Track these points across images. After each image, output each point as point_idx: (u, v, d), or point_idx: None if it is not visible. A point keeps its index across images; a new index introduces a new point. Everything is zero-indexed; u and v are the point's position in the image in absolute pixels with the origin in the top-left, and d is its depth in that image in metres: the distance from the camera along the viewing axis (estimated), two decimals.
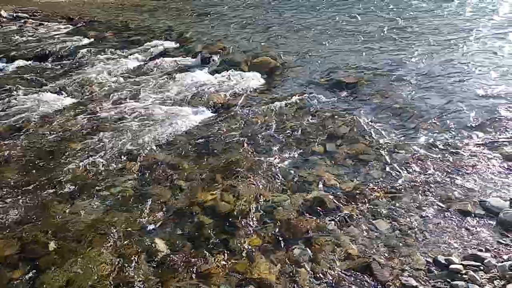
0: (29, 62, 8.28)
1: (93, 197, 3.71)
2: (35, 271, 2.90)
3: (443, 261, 2.62)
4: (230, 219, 3.29)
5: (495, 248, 2.70)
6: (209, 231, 3.19)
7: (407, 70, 5.90)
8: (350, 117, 4.74)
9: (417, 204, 3.22)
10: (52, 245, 3.12)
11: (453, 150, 3.88)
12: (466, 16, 8.47)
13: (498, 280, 2.43)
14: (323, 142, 4.31)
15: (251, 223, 3.23)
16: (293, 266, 2.79)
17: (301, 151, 4.19)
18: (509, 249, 2.67)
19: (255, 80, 6.26)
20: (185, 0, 14.07)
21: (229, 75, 6.50)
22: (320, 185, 3.60)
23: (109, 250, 3.03)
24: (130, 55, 8.14)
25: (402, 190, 3.42)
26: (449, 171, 3.58)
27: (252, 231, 3.15)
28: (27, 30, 11.27)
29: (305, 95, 5.48)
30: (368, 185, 3.54)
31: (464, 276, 2.50)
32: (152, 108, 5.48)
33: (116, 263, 2.91)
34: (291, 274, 2.73)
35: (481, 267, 2.54)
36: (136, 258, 2.95)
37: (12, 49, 9.18)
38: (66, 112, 5.62)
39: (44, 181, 3.97)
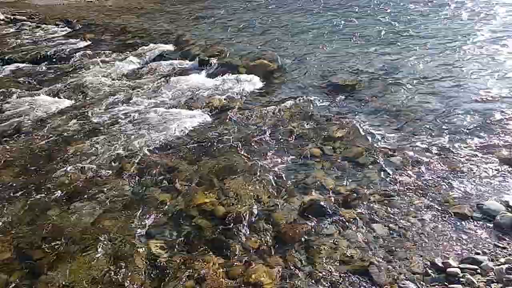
0: (26, 64, 8.27)
1: (89, 200, 3.68)
2: (31, 274, 2.88)
3: (441, 264, 2.62)
4: (227, 222, 3.27)
5: (492, 251, 2.70)
6: (205, 234, 3.17)
7: (403, 73, 5.92)
8: (347, 120, 4.75)
9: (414, 208, 3.22)
10: (48, 249, 3.10)
11: (450, 154, 3.88)
12: (462, 20, 8.54)
13: (495, 284, 2.43)
14: (320, 145, 4.31)
15: (247, 226, 3.21)
16: (290, 269, 2.77)
17: (298, 154, 4.19)
18: (506, 252, 2.67)
19: (252, 83, 6.26)
20: (182, 3, 14.10)
21: (226, 78, 6.51)
22: (317, 188, 3.60)
23: (105, 254, 3.01)
24: (128, 58, 8.13)
25: (399, 193, 3.41)
26: (446, 174, 3.59)
27: (248, 234, 3.13)
28: (24, 33, 11.25)
29: (302, 98, 5.49)
30: (366, 188, 3.54)
31: (461, 279, 2.49)
32: (149, 112, 5.46)
33: (112, 267, 2.89)
34: (288, 277, 2.71)
35: (478, 270, 2.54)
36: (131, 262, 2.93)
37: (8, 52, 9.16)
38: (62, 116, 5.59)
39: (40, 185, 3.94)
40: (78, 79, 7.01)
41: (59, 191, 3.81)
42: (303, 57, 7.09)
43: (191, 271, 2.81)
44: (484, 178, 3.48)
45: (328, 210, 3.30)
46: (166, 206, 3.54)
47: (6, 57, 8.68)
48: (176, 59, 7.88)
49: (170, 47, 8.69)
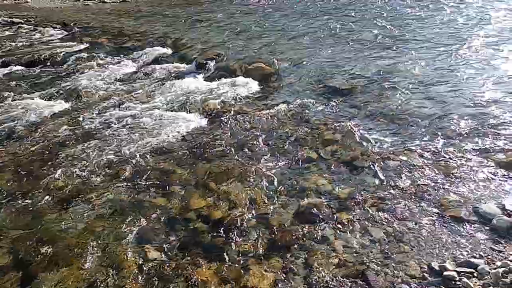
0: (22, 67, 8.23)
1: (85, 204, 3.65)
2: (23, 279, 2.85)
3: (437, 268, 2.62)
4: (224, 226, 3.25)
5: (488, 255, 2.70)
6: (202, 238, 3.15)
7: (399, 78, 5.94)
8: (344, 124, 4.75)
9: (411, 211, 3.22)
10: (40, 254, 3.06)
11: (446, 157, 3.89)
12: (457, 25, 8.60)
13: (492, 287, 2.43)
14: (317, 149, 4.30)
15: (244, 230, 3.20)
16: (287, 273, 2.76)
17: (295, 157, 4.18)
18: (502, 256, 2.67)
19: (249, 86, 6.27)
20: (180, 6, 14.13)
21: (223, 82, 6.51)
22: (314, 192, 3.59)
23: (98, 259, 2.98)
24: (125, 61, 8.13)
25: (396, 197, 3.41)
26: (443, 178, 3.59)
27: (245, 238, 3.12)
28: (21, 36, 11.22)
29: (298, 102, 5.50)
30: (362, 192, 3.53)
31: (458, 283, 2.49)
32: (145, 115, 5.44)
33: (105, 272, 2.86)
34: (285, 281, 2.70)
35: (475, 274, 2.53)
36: (125, 267, 2.90)
37: (4, 54, 9.12)
38: (55, 120, 5.55)
39: (32, 190, 3.90)
40: (73, 82, 6.99)
41: (52, 196, 3.78)
42: (300, 61, 7.10)
43: (185, 276, 2.79)
44: (480, 181, 3.49)
45: (324, 214, 3.29)
46: (163, 210, 3.52)
47: (2, 60, 8.65)
48: (172, 63, 7.89)
49: (168, 50, 8.70)
